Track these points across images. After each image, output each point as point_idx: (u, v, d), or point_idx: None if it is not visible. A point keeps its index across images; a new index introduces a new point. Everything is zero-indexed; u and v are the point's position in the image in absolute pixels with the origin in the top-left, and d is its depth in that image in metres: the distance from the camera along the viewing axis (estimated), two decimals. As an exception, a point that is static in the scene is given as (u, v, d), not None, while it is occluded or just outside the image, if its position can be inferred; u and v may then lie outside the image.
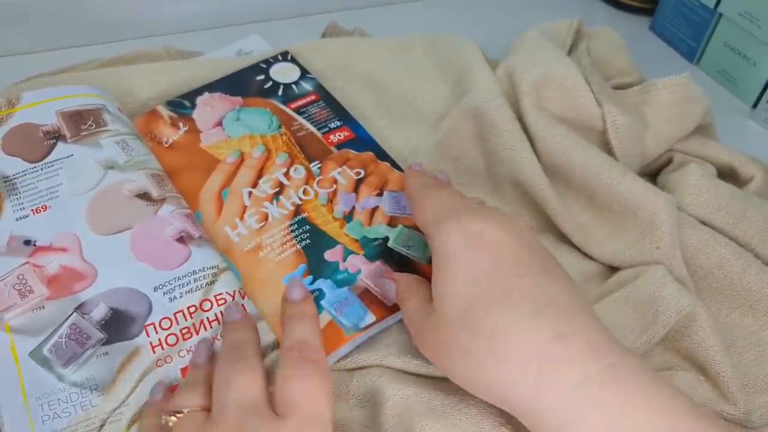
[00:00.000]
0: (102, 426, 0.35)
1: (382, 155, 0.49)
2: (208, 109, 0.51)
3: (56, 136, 0.45)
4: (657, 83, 0.50)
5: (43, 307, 0.38)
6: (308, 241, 0.43)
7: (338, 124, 0.50)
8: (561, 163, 0.47)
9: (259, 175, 0.46)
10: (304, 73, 0.54)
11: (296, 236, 0.43)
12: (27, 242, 0.40)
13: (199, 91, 0.52)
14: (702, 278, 0.45)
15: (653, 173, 0.53)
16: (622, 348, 0.31)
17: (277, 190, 0.46)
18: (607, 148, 0.49)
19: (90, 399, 0.35)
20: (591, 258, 0.47)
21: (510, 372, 0.31)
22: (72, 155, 0.44)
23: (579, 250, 0.47)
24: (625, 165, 0.48)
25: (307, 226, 0.44)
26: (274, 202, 0.45)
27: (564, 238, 0.48)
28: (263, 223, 0.44)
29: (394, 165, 0.48)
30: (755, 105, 0.63)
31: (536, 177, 0.47)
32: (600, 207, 0.47)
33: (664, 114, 0.50)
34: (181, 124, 0.49)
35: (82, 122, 0.46)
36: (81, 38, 0.62)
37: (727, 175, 0.51)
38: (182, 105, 0.51)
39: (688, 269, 0.44)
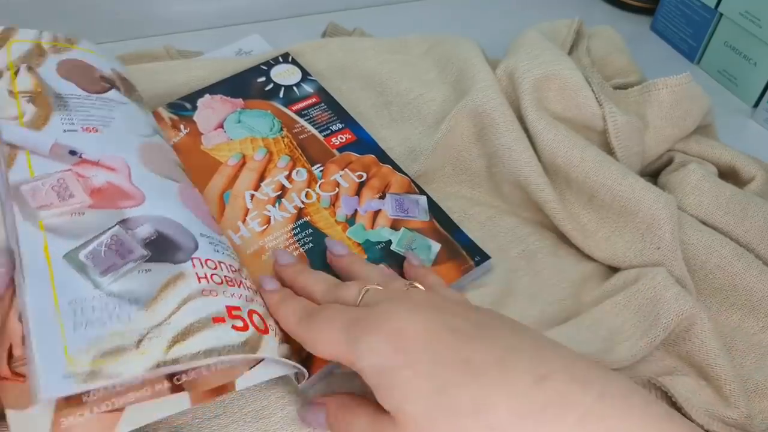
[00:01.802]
0: (140, 341, 0.31)
1: (383, 158, 0.49)
2: (209, 111, 0.51)
3: (112, 84, 0.45)
4: (657, 83, 0.50)
5: (83, 213, 0.35)
6: (311, 244, 0.43)
7: (340, 126, 0.50)
8: (561, 163, 0.47)
9: (261, 178, 0.46)
10: (305, 75, 0.54)
11: (299, 240, 0.43)
12: (73, 152, 0.38)
13: (200, 93, 0.52)
14: (702, 279, 0.45)
15: (654, 173, 0.53)
16: (604, 372, 0.30)
17: (279, 193, 0.46)
18: (608, 148, 0.49)
19: (129, 312, 0.32)
20: (591, 258, 0.47)
21: None
22: (127, 103, 0.44)
23: (579, 250, 0.47)
24: (626, 165, 0.48)
25: (310, 230, 0.44)
26: (276, 205, 0.45)
27: (564, 238, 0.48)
28: (265, 227, 0.44)
29: (396, 168, 0.48)
30: (756, 105, 0.63)
31: (536, 177, 0.47)
32: (600, 207, 0.47)
33: (665, 114, 0.50)
34: (182, 126, 0.49)
35: (131, 89, 0.46)
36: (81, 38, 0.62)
37: (728, 175, 0.51)
38: (183, 107, 0.51)
39: (688, 269, 0.44)
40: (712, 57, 0.66)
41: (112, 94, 0.44)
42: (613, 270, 0.46)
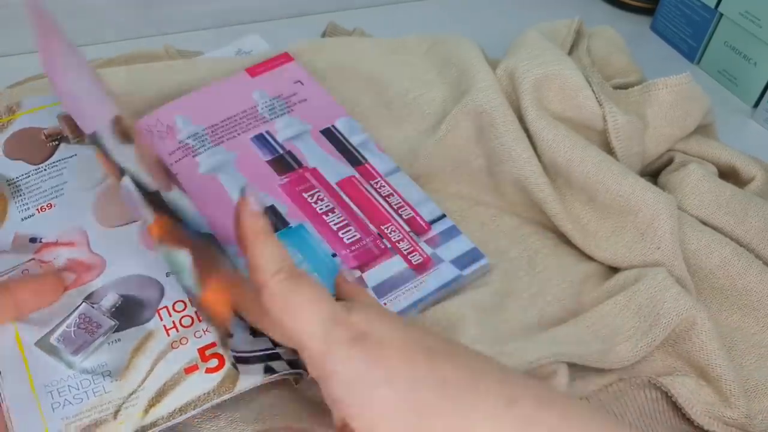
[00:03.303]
0: (117, 411, 0.34)
1: None
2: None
3: (58, 138, 0.45)
4: (657, 83, 0.50)
5: None
6: None
7: None
8: (561, 162, 0.47)
9: None
10: None
11: None
12: (33, 240, 0.40)
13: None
14: (703, 279, 0.45)
15: (654, 173, 0.53)
16: (559, 393, 0.32)
17: None
18: (608, 148, 0.49)
19: (103, 385, 0.35)
20: (591, 258, 0.47)
21: None
22: (75, 155, 0.44)
23: (579, 250, 0.47)
24: (626, 165, 0.48)
25: None
26: None
27: (564, 238, 0.48)
28: None
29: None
30: (756, 105, 0.63)
31: (536, 177, 0.47)
32: (600, 207, 0.47)
33: (665, 114, 0.50)
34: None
35: (77, 130, 0.46)
36: (81, 38, 0.62)
37: (728, 175, 0.51)
38: None
39: (688, 269, 0.44)
40: (712, 57, 0.66)
41: (61, 150, 0.44)
42: (614, 270, 0.46)
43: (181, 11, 0.64)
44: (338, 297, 0.39)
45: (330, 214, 0.45)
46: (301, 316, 0.30)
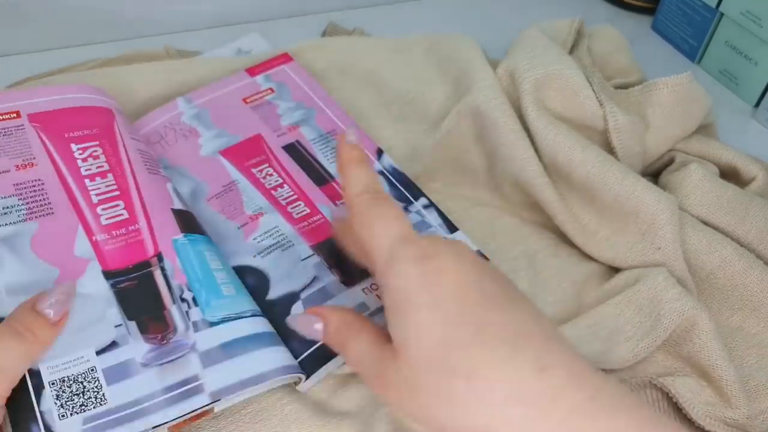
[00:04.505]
0: None
1: None
2: None
3: None
4: (658, 83, 0.49)
5: None
6: None
7: None
8: (562, 162, 0.47)
9: None
10: None
11: None
12: None
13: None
14: (704, 279, 0.45)
15: (655, 173, 0.53)
16: (600, 375, 0.30)
17: None
18: (609, 148, 0.49)
19: None
20: (592, 258, 0.47)
21: (495, 412, 0.29)
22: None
23: (580, 250, 0.47)
24: (627, 165, 0.48)
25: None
26: None
27: (564, 239, 0.48)
28: None
29: None
30: (757, 104, 0.63)
31: (537, 177, 0.47)
32: (601, 207, 0.46)
33: (666, 113, 0.49)
34: None
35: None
36: (81, 38, 0.62)
37: (729, 175, 0.51)
38: None
39: (689, 270, 0.44)
40: (713, 57, 0.65)
41: None
42: (614, 270, 0.46)
43: (181, 11, 0.64)
44: None
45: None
46: (376, 231, 0.32)
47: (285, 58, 0.55)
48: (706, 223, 0.46)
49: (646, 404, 0.30)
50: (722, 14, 0.63)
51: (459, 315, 0.30)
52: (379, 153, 0.48)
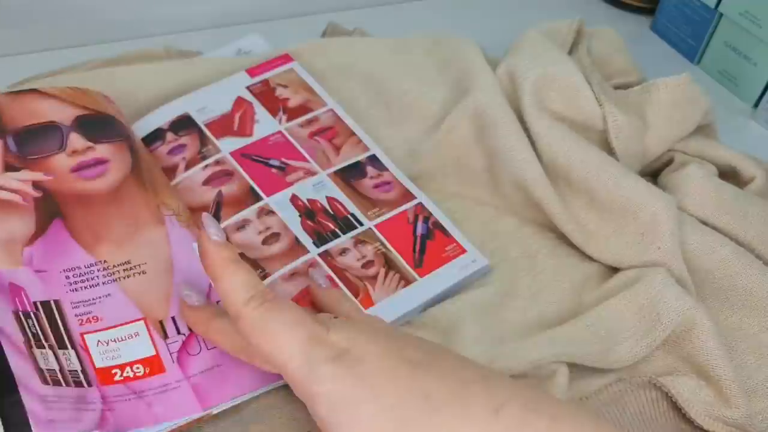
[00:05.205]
0: None
1: None
2: None
3: None
4: (657, 83, 0.50)
5: None
6: None
7: None
8: (562, 163, 0.47)
9: None
10: None
11: None
12: None
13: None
14: (703, 279, 0.45)
15: (654, 173, 0.53)
16: (548, 395, 0.31)
17: None
18: (608, 148, 0.49)
19: None
20: (591, 258, 0.47)
21: None
22: None
23: (579, 250, 0.47)
24: (626, 165, 0.48)
25: None
26: None
27: (564, 239, 0.48)
28: None
29: None
30: (756, 105, 0.63)
31: (537, 177, 0.47)
32: (600, 207, 0.46)
33: (665, 114, 0.50)
34: None
35: None
36: (81, 38, 0.62)
37: (728, 175, 0.51)
38: None
39: (688, 270, 0.44)
40: (713, 57, 0.65)
41: None
42: (614, 270, 0.46)
43: (181, 11, 0.64)
44: (314, 304, 0.39)
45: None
46: (280, 341, 0.30)
47: (285, 58, 0.55)
48: (705, 223, 0.46)
49: (604, 421, 0.32)
50: (721, 15, 0.63)
51: (401, 396, 0.29)
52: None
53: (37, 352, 0.35)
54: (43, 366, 0.34)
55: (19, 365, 0.34)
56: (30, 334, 0.35)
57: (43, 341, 0.35)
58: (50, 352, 0.35)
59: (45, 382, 0.34)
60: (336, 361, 0.29)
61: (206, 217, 0.33)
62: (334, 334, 0.30)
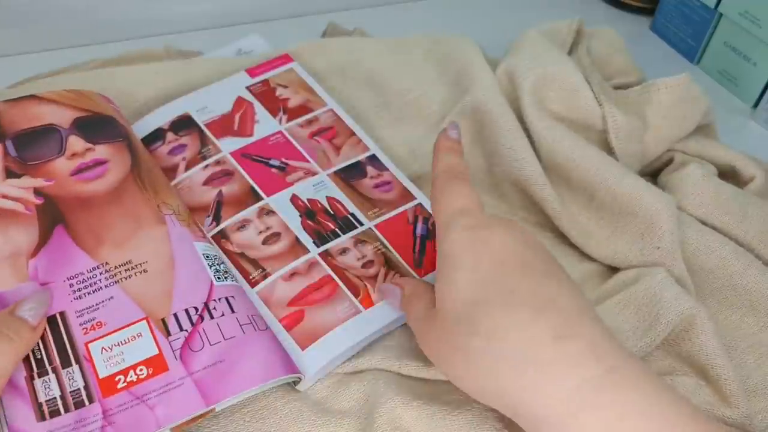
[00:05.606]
0: None
1: None
2: None
3: None
4: (657, 83, 0.50)
5: None
6: None
7: None
8: (561, 162, 0.47)
9: None
10: None
11: None
12: None
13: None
14: (702, 279, 0.45)
15: (654, 173, 0.53)
16: (624, 352, 0.31)
17: None
18: (608, 148, 0.49)
19: None
20: (591, 258, 0.47)
21: (508, 373, 0.31)
22: None
23: (579, 250, 0.47)
24: (626, 165, 0.48)
25: None
26: None
27: (564, 238, 0.48)
28: None
29: None
30: (756, 105, 0.63)
31: (536, 177, 0.47)
32: (600, 207, 0.47)
33: (664, 114, 0.50)
34: None
35: None
36: (81, 38, 0.62)
37: (728, 175, 0.51)
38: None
39: (688, 269, 0.44)
40: (712, 57, 0.66)
41: None
42: (613, 270, 0.46)
43: (181, 11, 0.64)
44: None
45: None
46: (443, 203, 0.37)
47: (285, 58, 0.55)
48: (704, 223, 0.46)
49: (670, 387, 0.30)
50: (721, 15, 0.63)
51: (492, 279, 0.32)
52: None
53: (38, 383, 0.35)
54: (42, 399, 0.34)
55: (12, 405, 0.34)
56: (34, 362, 0.35)
57: (47, 366, 0.35)
58: (53, 377, 0.35)
59: (41, 418, 0.34)
60: (467, 230, 0.34)
61: (454, 125, 0.40)
62: (483, 214, 0.36)
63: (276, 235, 0.44)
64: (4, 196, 0.40)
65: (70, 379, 0.35)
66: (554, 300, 0.32)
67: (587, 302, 0.33)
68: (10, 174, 0.41)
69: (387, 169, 0.48)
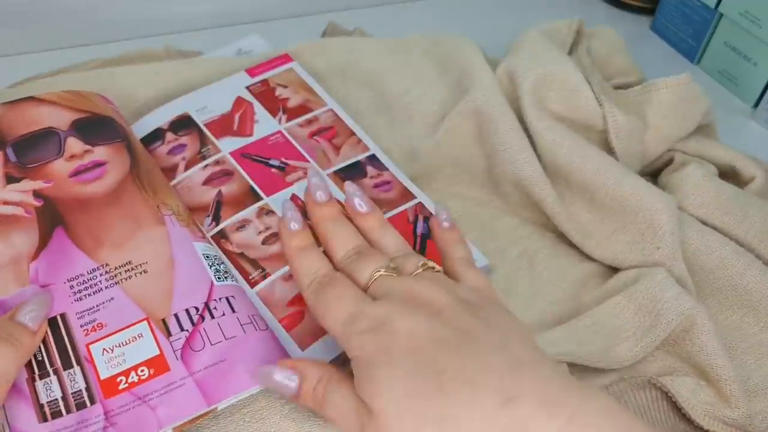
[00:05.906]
0: None
1: None
2: None
3: None
4: (657, 83, 0.50)
5: None
6: None
7: None
8: (561, 162, 0.47)
9: None
10: None
11: None
12: None
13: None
14: (703, 279, 0.45)
15: (654, 173, 0.53)
16: (580, 391, 0.30)
17: None
18: (608, 148, 0.49)
19: None
20: (591, 258, 0.47)
21: None
22: None
23: (579, 250, 0.47)
24: (626, 165, 0.48)
25: None
26: None
27: (564, 238, 0.48)
28: None
29: None
30: (756, 105, 0.63)
31: (536, 177, 0.47)
32: (600, 207, 0.47)
33: (665, 114, 0.50)
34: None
35: None
36: (81, 38, 0.62)
37: (728, 175, 0.51)
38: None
39: (688, 269, 0.44)
40: (712, 57, 0.66)
41: None
42: (614, 270, 0.46)
43: (181, 11, 0.64)
44: (436, 241, 0.40)
45: None
46: (328, 320, 0.35)
47: (285, 58, 0.55)
48: (705, 223, 0.46)
49: (635, 419, 0.29)
50: (721, 15, 0.63)
51: (415, 368, 0.31)
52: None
53: (39, 384, 0.35)
54: (44, 400, 0.34)
55: (14, 407, 0.34)
56: (35, 364, 0.35)
57: (48, 368, 0.35)
58: (54, 378, 0.35)
59: (43, 419, 0.34)
60: (369, 333, 0.33)
61: (287, 206, 0.39)
62: (378, 307, 0.33)
63: (276, 235, 0.44)
64: (5, 203, 0.40)
65: (71, 381, 0.35)
66: (486, 365, 0.30)
67: (527, 350, 0.32)
68: (10, 180, 0.41)
69: (387, 169, 0.48)
